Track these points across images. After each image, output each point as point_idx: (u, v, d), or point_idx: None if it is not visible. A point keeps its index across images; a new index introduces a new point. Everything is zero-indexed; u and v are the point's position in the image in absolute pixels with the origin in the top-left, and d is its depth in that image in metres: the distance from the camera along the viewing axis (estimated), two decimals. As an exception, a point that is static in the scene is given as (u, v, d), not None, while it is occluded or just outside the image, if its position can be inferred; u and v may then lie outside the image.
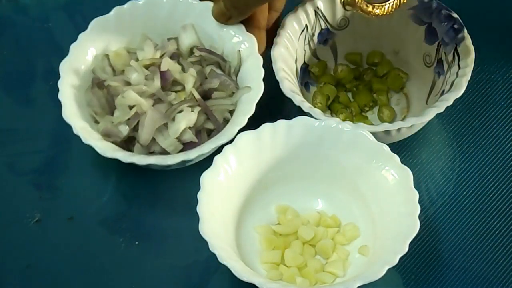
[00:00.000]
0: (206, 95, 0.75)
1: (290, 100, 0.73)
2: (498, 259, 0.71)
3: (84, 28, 0.77)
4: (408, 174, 0.67)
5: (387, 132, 0.72)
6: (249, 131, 0.69)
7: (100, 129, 0.73)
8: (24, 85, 0.83)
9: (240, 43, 0.77)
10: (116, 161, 0.76)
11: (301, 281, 0.67)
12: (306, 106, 0.72)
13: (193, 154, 0.70)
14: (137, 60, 0.77)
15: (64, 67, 0.74)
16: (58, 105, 0.73)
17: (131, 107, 0.73)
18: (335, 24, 0.80)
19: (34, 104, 0.82)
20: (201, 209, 0.65)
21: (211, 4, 0.77)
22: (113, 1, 0.80)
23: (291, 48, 0.77)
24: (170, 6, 0.79)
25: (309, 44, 0.80)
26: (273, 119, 0.70)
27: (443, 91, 0.74)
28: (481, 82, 0.81)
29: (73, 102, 0.73)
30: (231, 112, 0.75)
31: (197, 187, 0.66)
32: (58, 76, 0.74)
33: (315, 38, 0.80)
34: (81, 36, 0.76)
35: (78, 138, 0.77)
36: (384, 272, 0.62)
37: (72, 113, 0.72)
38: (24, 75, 0.83)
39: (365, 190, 0.70)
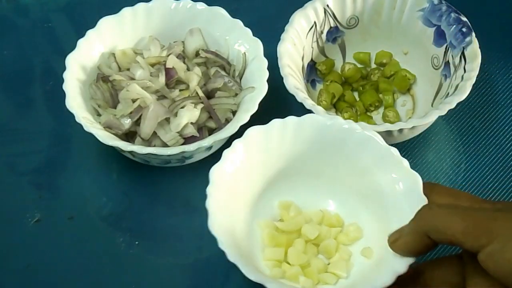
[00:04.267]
0: (209, 95, 0.77)
1: (293, 100, 0.72)
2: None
3: (85, 28, 0.78)
4: (417, 179, 0.66)
5: (389, 132, 0.72)
6: (258, 125, 0.69)
7: (102, 121, 0.74)
8: (24, 85, 0.84)
9: (245, 47, 0.78)
10: (116, 161, 0.76)
11: (304, 281, 0.67)
12: (308, 103, 0.72)
13: (193, 147, 0.71)
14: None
15: (71, 60, 0.76)
16: (58, 105, 0.74)
17: (134, 101, 0.74)
18: (345, 22, 0.81)
19: (34, 104, 0.83)
20: (210, 203, 0.64)
21: (218, 9, 0.78)
22: (114, 2, 0.80)
23: (298, 45, 0.78)
24: (178, 10, 0.80)
25: (317, 41, 0.81)
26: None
27: (448, 94, 0.74)
28: (481, 82, 0.81)
29: (77, 94, 0.74)
30: (234, 113, 0.76)
31: (198, 187, 0.67)
32: (58, 76, 0.75)
33: (324, 36, 0.81)
34: (89, 32, 0.77)
35: (78, 138, 0.77)
36: (393, 280, 0.62)
37: (76, 103, 0.73)
38: (24, 75, 0.84)
39: (371, 193, 0.69)
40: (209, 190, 0.64)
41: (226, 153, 0.67)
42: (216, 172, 0.66)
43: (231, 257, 0.61)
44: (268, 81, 0.74)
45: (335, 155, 0.70)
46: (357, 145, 0.69)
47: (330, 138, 0.70)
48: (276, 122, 0.69)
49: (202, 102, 0.75)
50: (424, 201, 0.64)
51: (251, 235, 0.70)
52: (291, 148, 0.70)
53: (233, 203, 0.67)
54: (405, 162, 0.67)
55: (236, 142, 0.68)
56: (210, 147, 0.74)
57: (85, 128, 0.71)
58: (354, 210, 0.71)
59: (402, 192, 0.66)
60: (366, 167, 0.69)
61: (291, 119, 0.69)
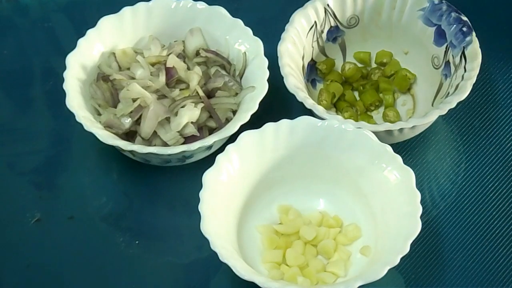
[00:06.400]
0: (210, 95, 0.77)
1: (293, 100, 0.72)
2: (498, 259, 0.72)
3: (85, 28, 0.78)
4: (410, 174, 0.67)
5: (389, 132, 0.72)
6: (251, 130, 0.69)
7: (102, 120, 0.74)
8: (24, 85, 0.84)
9: (246, 47, 0.78)
10: (116, 161, 0.76)
11: (302, 281, 0.67)
12: (309, 102, 0.73)
13: (194, 146, 0.71)
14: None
15: (71, 59, 0.76)
16: (58, 105, 0.75)
17: (134, 100, 0.74)
18: (345, 22, 0.81)
19: (34, 104, 0.83)
20: (203, 207, 0.66)
21: (218, 9, 0.78)
22: (114, 1, 0.80)
23: (299, 44, 0.78)
24: (178, 10, 0.80)
25: (317, 41, 0.81)
26: (276, 119, 0.70)
27: (448, 93, 0.74)
28: (481, 82, 0.81)
29: (77, 93, 0.75)
30: (234, 113, 0.76)
31: (198, 186, 0.67)
32: (58, 76, 0.75)
33: (324, 35, 0.81)
34: (89, 32, 0.78)
35: (78, 138, 0.77)
36: (385, 272, 0.63)
37: (76, 102, 0.73)
38: (24, 75, 0.84)
39: (367, 190, 0.70)
40: (202, 194, 0.66)
41: (219, 158, 0.68)
42: (208, 177, 0.67)
43: (223, 257, 0.63)
44: (268, 80, 0.74)
45: (330, 155, 0.71)
46: (351, 144, 0.70)
47: (324, 139, 0.70)
48: (269, 126, 0.70)
49: (202, 102, 0.75)
50: (417, 195, 0.65)
51: (250, 239, 0.70)
52: (285, 151, 0.71)
53: (227, 207, 0.68)
54: (398, 158, 0.68)
55: (229, 147, 0.68)
56: (210, 147, 0.74)
57: (85, 128, 0.71)
58: (352, 210, 0.72)
59: (396, 187, 0.68)
60: (361, 165, 0.70)
61: (284, 122, 0.70)
